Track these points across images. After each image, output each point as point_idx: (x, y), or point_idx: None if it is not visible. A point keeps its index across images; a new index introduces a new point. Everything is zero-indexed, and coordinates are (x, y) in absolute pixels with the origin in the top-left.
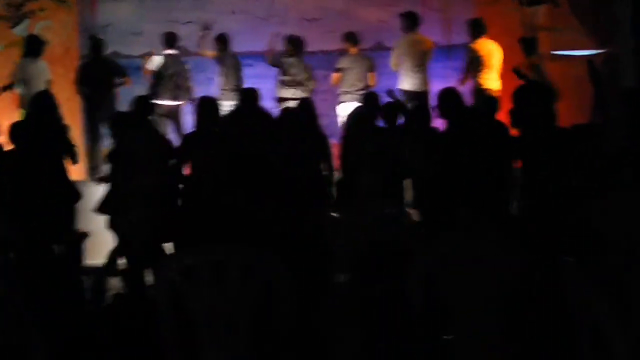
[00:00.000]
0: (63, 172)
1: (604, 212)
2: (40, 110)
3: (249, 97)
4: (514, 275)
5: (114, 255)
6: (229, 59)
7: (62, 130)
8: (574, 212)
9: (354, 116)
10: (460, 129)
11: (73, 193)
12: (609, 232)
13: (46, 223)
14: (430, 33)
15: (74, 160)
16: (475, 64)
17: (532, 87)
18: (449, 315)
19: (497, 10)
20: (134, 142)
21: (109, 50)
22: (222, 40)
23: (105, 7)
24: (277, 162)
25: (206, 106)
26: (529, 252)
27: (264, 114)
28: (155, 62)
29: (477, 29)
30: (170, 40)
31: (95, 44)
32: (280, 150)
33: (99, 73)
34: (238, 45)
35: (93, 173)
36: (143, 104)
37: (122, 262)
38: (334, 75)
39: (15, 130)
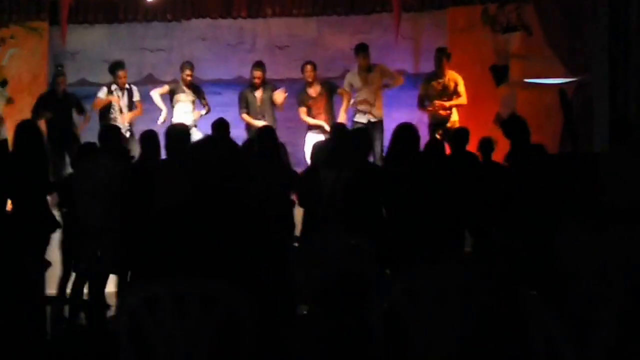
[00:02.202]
0: (43, 200)
1: (570, 246)
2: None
3: (220, 128)
4: (478, 309)
5: (76, 285)
6: None
7: (45, 161)
8: (540, 245)
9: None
10: (419, 164)
11: (52, 222)
12: (573, 266)
13: (21, 250)
14: (401, 61)
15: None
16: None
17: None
18: (410, 349)
19: (470, 38)
20: (94, 173)
21: (77, 77)
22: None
23: (75, 34)
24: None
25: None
26: (494, 286)
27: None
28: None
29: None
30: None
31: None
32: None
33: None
34: (207, 73)
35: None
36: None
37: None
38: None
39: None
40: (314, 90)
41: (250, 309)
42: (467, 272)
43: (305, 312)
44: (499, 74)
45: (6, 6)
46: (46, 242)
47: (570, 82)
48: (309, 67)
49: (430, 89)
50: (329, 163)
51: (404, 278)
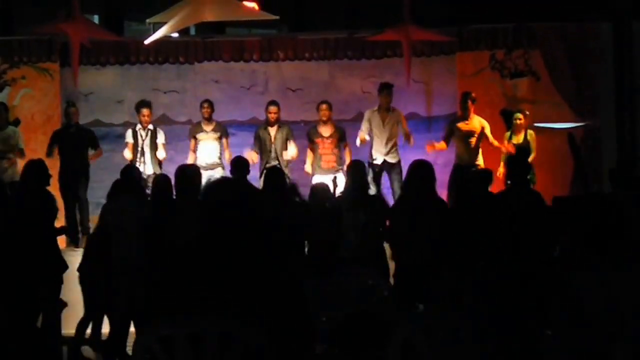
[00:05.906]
0: (53, 242)
1: (587, 285)
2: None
3: (240, 166)
4: (493, 347)
5: (95, 325)
6: None
7: (52, 201)
8: (556, 284)
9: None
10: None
11: (61, 264)
12: (590, 306)
13: (32, 293)
14: (413, 104)
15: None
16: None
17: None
18: None
19: (479, 82)
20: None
21: (90, 118)
22: None
23: (87, 75)
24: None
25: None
26: (509, 324)
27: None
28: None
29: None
30: None
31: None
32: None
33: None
34: (220, 114)
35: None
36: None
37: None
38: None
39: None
40: (326, 130)
41: (268, 347)
42: (481, 311)
43: (322, 351)
44: (509, 118)
45: (17, 47)
46: (59, 282)
47: (578, 126)
48: (324, 106)
49: (455, 129)
50: (354, 204)
51: (421, 317)
